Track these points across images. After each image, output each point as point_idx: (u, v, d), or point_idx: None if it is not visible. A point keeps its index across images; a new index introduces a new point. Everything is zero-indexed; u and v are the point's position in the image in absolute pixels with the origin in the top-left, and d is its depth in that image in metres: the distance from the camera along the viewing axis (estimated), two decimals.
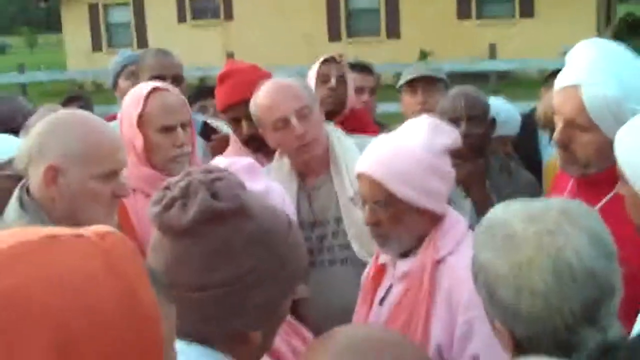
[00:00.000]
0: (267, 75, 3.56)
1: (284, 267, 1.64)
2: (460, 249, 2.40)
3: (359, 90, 4.73)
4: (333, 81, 4.11)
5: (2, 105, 4.11)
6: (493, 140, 3.86)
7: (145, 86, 3.19)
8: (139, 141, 3.05)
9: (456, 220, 2.51)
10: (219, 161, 2.11)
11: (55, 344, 0.75)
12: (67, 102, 5.97)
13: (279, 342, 2.06)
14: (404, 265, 2.50)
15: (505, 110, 4.38)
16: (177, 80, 3.90)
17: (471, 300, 2.23)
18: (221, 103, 3.61)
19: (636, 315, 2.06)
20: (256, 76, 3.51)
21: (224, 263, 1.57)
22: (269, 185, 2.05)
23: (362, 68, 4.85)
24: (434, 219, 2.46)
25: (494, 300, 1.65)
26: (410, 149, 2.41)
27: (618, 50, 2.47)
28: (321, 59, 4.30)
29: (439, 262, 2.41)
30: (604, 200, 2.45)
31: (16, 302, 0.76)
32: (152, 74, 3.96)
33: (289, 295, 1.69)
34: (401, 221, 2.44)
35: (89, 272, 0.81)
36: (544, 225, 1.62)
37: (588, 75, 2.42)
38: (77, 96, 6.41)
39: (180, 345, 1.58)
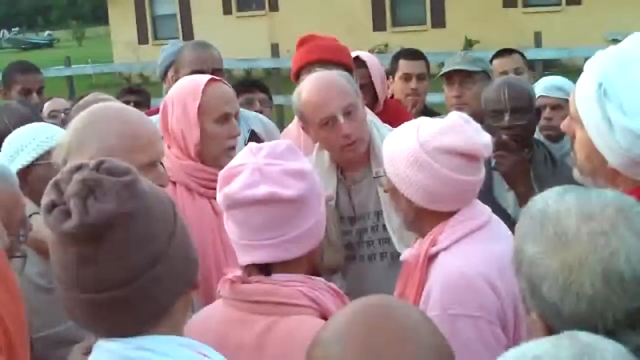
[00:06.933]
0: (344, 48, 3.80)
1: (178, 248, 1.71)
2: (453, 248, 2.36)
3: (407, 77, 4.71)
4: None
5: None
6: None
7: (201, 78, 3.14)
8: (195, 132, 2.98)
9: (470, 216, 2.42)
10: (257, 145, 2.10)
11: None
12: (125, 93, 5.92)
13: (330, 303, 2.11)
14: (405, 254, 2.50)
15: None
16: (216, 73, 3.84)
17: (435, 300, 2.28)
18: (298, 63, 3.70)
19: None
20: (335, 43, 3.76)
21: (118, 264, 1.62)
22: (308, 166, 2.07)
23: (410, 54, 4.85)
24: (440, 215, 2.41)
25: (536, 295, 1.60)
26: (406, 138, 2.38)
27: None
28: None
29: (432, 256, 2.38)
30: None
31: None
32: (192, 68, 3.90)
33: (193, 258, 1.78)
34: (397, 207, 2.53)
35: None
36: (598, 225, 1.55)
37: (591, 61, 2.13)
38: (134, 89, 6.30)
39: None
